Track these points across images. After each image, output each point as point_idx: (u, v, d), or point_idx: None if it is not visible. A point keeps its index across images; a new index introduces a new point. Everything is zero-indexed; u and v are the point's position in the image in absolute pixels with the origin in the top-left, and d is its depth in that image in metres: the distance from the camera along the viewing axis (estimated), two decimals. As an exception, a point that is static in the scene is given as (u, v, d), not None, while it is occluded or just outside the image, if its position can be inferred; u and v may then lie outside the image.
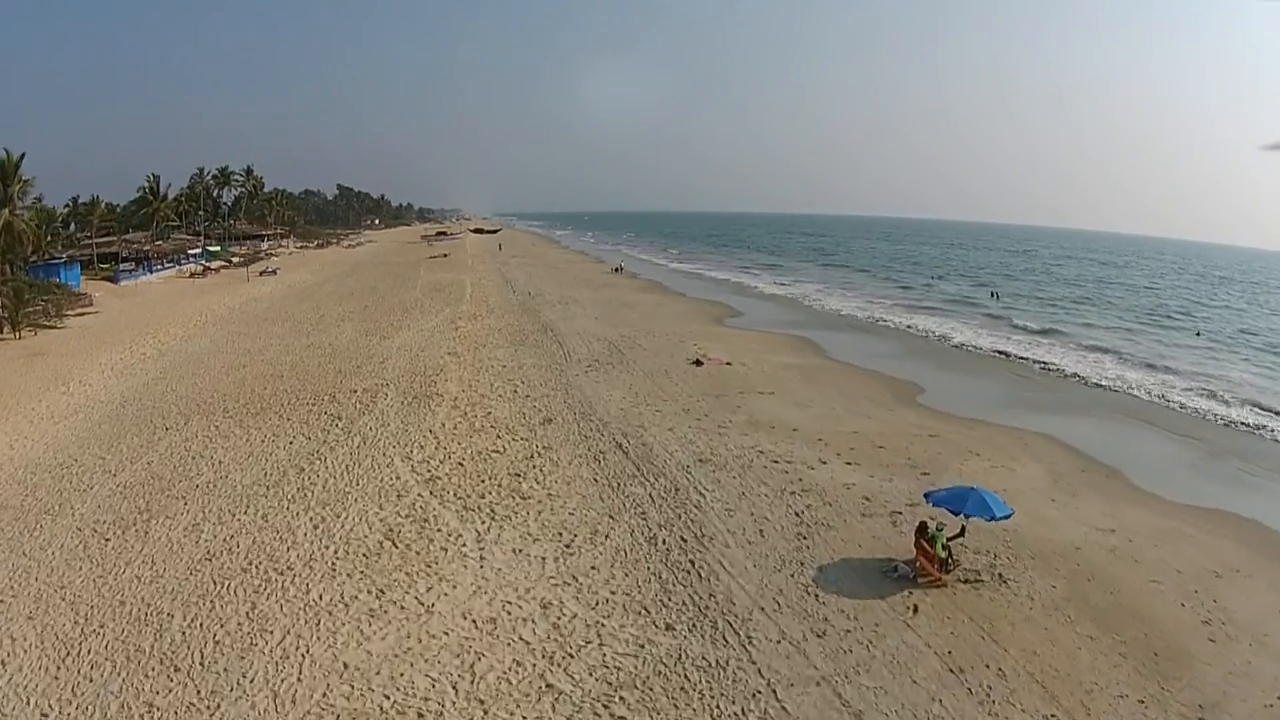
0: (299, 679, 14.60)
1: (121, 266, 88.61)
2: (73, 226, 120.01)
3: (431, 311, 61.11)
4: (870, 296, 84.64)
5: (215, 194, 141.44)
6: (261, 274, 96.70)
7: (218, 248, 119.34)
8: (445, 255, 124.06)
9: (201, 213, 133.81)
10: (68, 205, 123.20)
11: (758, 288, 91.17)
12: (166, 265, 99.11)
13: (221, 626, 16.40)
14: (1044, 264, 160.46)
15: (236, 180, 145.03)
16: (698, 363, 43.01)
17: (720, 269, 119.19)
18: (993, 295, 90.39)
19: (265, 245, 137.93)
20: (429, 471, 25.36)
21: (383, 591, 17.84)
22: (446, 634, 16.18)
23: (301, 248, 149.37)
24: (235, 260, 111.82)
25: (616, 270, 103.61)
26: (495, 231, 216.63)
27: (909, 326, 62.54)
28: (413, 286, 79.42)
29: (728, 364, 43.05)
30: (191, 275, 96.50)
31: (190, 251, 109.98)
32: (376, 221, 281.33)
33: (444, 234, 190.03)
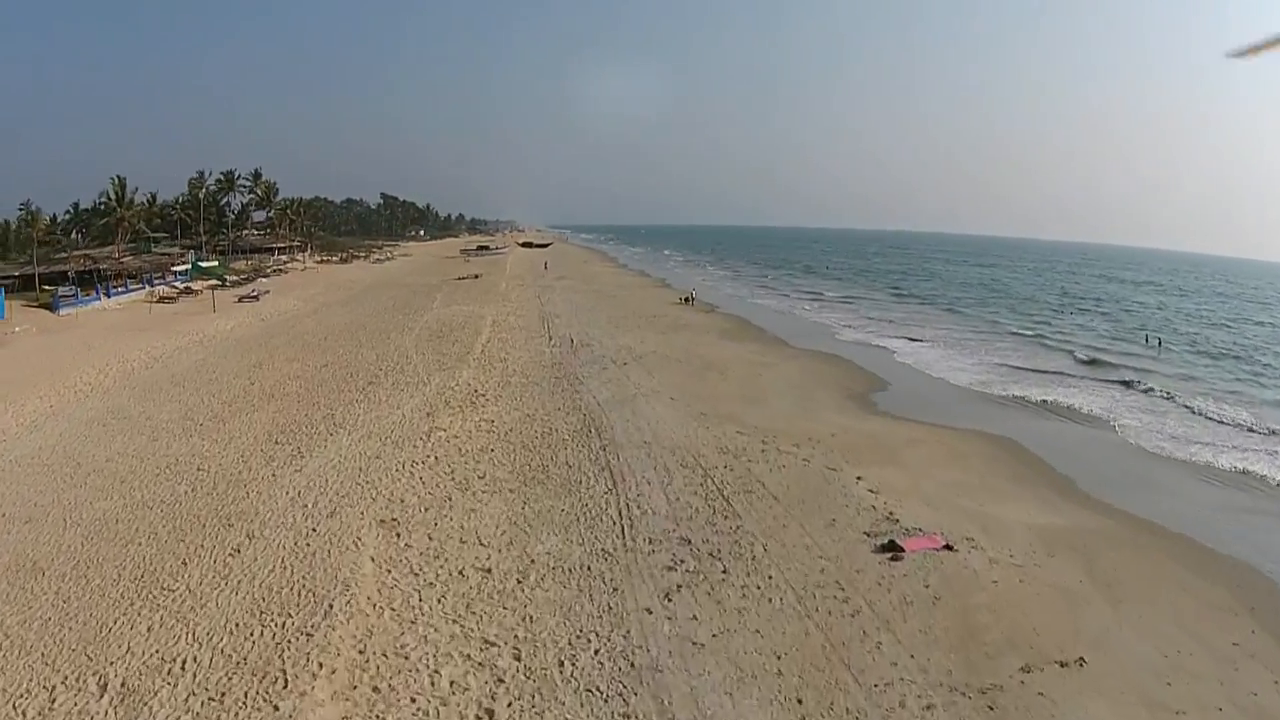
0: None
1: (61, 291, 69.25)
2: (74, 234, 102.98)
3: (412, 383, 39.29)
4: (1012, 350, 60.88)
5: (222, 201, 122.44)
6: (241, 299, 76.67)
7: (215, 263, 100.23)
8: (476, 276, 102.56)
9: (204, 222, 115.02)
10: (68, 212, 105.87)
11: (855, 331, 67.77)
12: (132, 287, 79.79)
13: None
14: (1144, 292, 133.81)
15: (244, 186, 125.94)
16: (890, 548, 20.86)
17: (795, 298, 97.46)
18: (1153, 342, 68.30)
19: (272, 260, 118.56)
20: None
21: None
22: None
23: (321, 261, 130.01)
24: (229, 280, 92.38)
25: (686, 301, 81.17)
26: (545, 246, 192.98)
27: (1111, 417, 38.94)
28: (412, 327, 57.74)
29: (947, 547, 20.96)
30: (160, 300, 76.80)
31: (175, 268, 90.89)
32: (421, 232, 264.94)
33: (485, 248, 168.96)
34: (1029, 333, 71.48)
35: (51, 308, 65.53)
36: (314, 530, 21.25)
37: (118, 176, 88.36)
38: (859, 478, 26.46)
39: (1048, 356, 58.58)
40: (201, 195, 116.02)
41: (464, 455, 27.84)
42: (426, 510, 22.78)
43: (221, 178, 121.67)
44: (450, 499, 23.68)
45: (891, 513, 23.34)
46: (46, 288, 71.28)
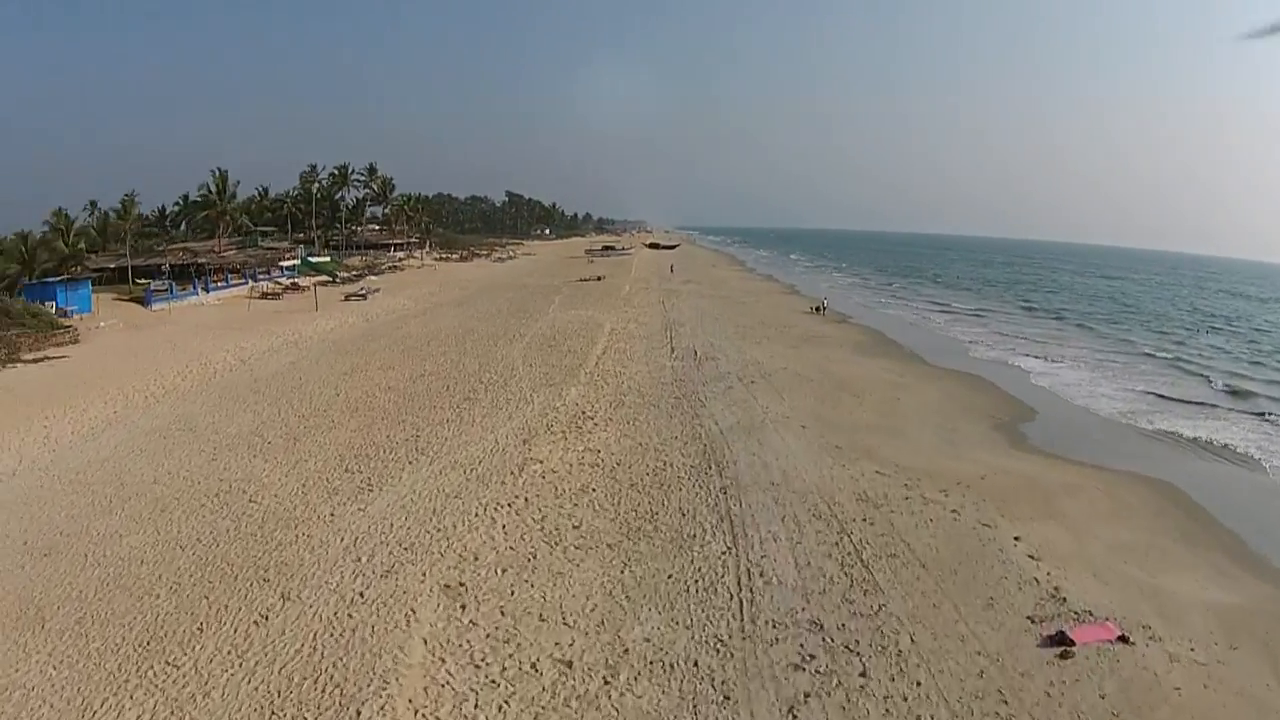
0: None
1: (153, 285, 68.00)
2: (184, 226, 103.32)
3: (513, 400, 35.16)
4: (1154, 374, 54.05)
5: (335, 196, 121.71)
6: (348, 298, 74.53)
7: (326, 258, 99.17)
8: (599, 279, 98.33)
9: (317, 217, 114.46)
10: (177, 204, 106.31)
11: (989, 348, 60.91)
12: (233, 282, 78.55)
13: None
14: (1271, 310, 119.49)
15: (358, 180, 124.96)
16: (1060, 641, 15.97)
17: (924, 309, 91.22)
18: None
19: (387, 257, 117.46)
20: None
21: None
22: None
23: (440, 259, 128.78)
24: (340, 276, 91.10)
25: (817, 310, 75.56)
26: (672, 248, 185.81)
27: (1264, 458, 33.08)
28: (523, 333, 53.81)
29: (1122, 639, 16.22)
30: (263, 296, 75.29)
31: (284, 263, 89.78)
32: (547, 231, 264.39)
33: (610, 248, 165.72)
34: (1165, 355, 63.98)
35: (144, 302, 64.24)
36: (361, 595, 17.09)
37: (219, 169, 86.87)
38: (1016, 538, 21.43)
39: (1188, 384, 51.53)
40: (314, 189, 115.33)
41: (559, 496, 23.43)
42: (503, 572, 18.40)
43: (335, 172, 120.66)
44: (534, 556, 19.26)
45: (1057, 588, 18.47)
46: (140, 281, 70.23)
